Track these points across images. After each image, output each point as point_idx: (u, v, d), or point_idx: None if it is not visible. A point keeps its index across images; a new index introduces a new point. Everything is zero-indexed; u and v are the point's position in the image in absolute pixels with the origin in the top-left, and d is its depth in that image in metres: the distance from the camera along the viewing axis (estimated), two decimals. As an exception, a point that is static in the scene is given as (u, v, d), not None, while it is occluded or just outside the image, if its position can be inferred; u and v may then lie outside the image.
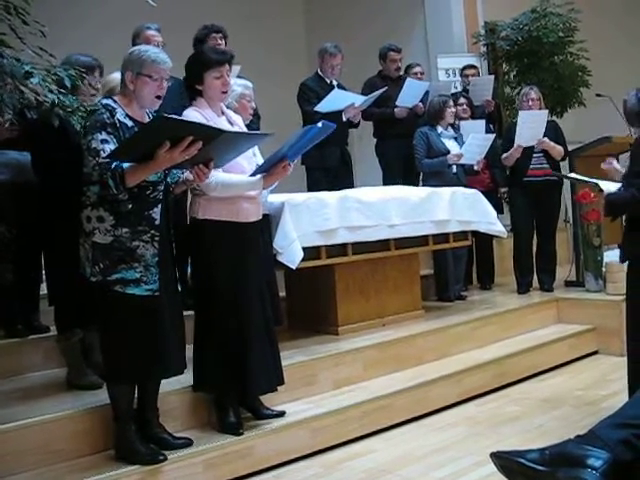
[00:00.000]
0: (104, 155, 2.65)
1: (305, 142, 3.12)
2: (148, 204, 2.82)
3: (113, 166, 2.64)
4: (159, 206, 2.85)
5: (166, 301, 2.87)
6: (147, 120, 2.89)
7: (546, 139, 5.30)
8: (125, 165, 2.65)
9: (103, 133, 2.70)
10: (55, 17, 4.23)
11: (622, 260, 3.27)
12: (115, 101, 2.82)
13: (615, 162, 3.60)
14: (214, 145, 2.70)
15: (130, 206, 2.76)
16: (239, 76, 3.96)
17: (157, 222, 2.84)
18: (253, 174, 3.17)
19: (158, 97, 2.86)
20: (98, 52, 3.55)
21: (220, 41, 4.62)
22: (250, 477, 3.14)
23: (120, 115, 2.78)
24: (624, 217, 3.37)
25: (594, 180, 3.42)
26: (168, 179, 2.93)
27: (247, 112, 3.66)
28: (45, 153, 3.26)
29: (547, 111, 5.52)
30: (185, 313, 3.78)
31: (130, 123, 2.79)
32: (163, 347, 2.85)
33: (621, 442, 2.23)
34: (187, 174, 2.94)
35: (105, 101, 2.82)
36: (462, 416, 3.84)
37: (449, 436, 3.53)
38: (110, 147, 2.68)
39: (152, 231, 2.82)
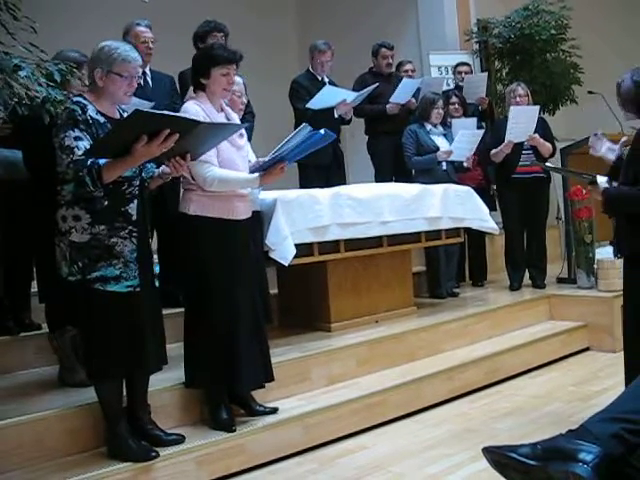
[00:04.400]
0: (79, 152, 2.63)
1: (306, 146, 3.15)
2: (124, 200, 2.81)
3: (89, 163, 2.62)
4: (135, 202, 2.84)
5: (145, 297, 2.86)
6: (118, 116, 2.88)
7: (536, 135, 5.31)
8: (101, 161, 2.63)
9: (76, 130, 2.68)
10: (51, 17, 4.23)
11: (619, 255, 3.21)
12: (85, 98, 2.80)
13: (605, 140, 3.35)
14: (191, 137, 2.70)
15: (106, 203, 2.74)
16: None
17: (134, 218, 2.83)
18: (252, 172, 3.18)
19: (128, 93, 2.85)
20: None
21: (221, 40, 4.61)
22: (243, 474, 3.14)
23: (91, 111, 2.76)
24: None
25: (586, 173, 3.30)
26: (143, 174, 2.91)
27: (237, 107, 3.67)
28: (36, 150, 3.24)
29: (538, 107, 5.52)
30: (171, 311, 3.76)
31: (102, 119, 2.78)
32: (144, 343, 2.84)
33: (612, 436, 2.24)
34: (163, 167, 2.93)
35: (76, 98, 2.80)
36: (455, 412, 3.85)
37: (442, 432, 3.54)
38: (84, 144, 2.66)
39: (130, 227, 2.81)
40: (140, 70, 2.90)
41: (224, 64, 3.15)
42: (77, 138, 2.67)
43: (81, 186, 2.66)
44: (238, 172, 3.20)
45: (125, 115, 2.93)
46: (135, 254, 2.82)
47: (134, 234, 2.82)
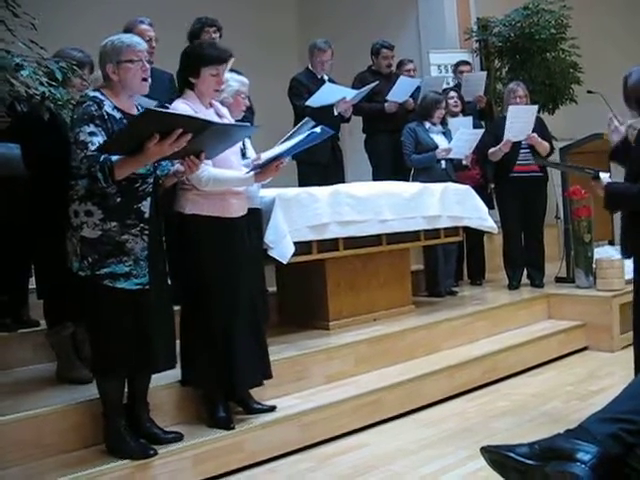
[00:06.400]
0: (92, 148, 2.63)
1: (303, 144, 3.16)
2: (137, 197, 2.81)
3: (102, 159, 2.62)
4: (148, 199, 2.84)
5: (155, 295, 2.86)
6: (135, 111, 2.88)
7: (535, 134, 5.31)
8: (114, 158, 2.63)
9: (91, 125, 2.68)
10: (51, 15, 4.22)
11: (626, 255, 3.19)
12: (102, 93, 2.80)
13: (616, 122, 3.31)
14: (204, 137, 2.70)
15: (119, 199, 2.75)
16: (236, 71, 3.94)
17: (146, 215, 2.83)
18: (252, 169, 3.19)
19: (144, 79, 2.84)
20: (94, 50, 3.53)
21: (214, 34, 4.60)
22: (242, 471, 3.14)
23: (108, 107, 2.76)
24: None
25: (588, 168, 3.28)
26: (158, 172, 2.91)
27: (240, 108, 3.66)
28: (35, 146, 3.24)
29: (537, 106, 5.52)
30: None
31: (118, 115, 2.78)
32: (153, 341, 2.84)
33: (610, 436, 2.24)
34: (178, 166, 2.94)
35: (93, 93, 2.80)
36: (453, 411, 3.85)
37: (440, 431, 3.54)
38: (98, 139, 2.66)
39: (141, 224, 2.81)
40: (147, 54, 2.89)
41: (215, 64, 3.12)
42: (92, 133, 2.67)
43: (93, 181, 2.66)
44: (233, 171, 3.20)
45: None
46: (146, 252, 2.82)
47: (145, 232, 2.82)
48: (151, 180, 2.86)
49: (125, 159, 2.64)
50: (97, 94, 2.79)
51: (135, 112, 2.88)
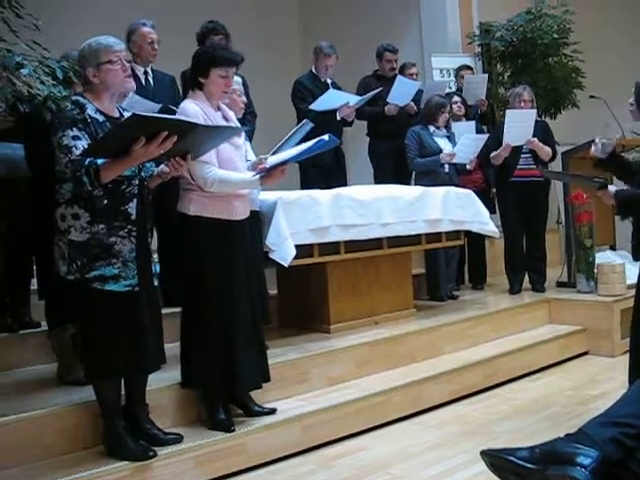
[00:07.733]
0: (77, 152, 2.63)
1: (310, 151, 3.18)
2: (123, 199, 2.80)
3: (87, 162, 2.61)
4: (135, 201, 2.84)
5: (144, 296, 2.86)
6: (117, 114, 2.88)
7: (535, 139, 5.29)
8: (99, 161, 2.63)
9: (74, 129, 2.68)
10: (54, 16, 4.22)
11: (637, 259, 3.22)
12: (84, 97, 2.80)
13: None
14: (190, 138, 2.70)
15: (105, 202, 2.74)
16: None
17: (133, 217, 2.83)
18: (256, 174, 3.20)
19: (127, 77, 2.84)
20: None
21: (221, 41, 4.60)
22: (242, 473, 3.13)
23: (90, 110, 2.76)
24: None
25: (596, 177, 3.34)
26: (142, 173, 2.90)
27: (239, 106, 3.69)
28: (38, 146, 3.24)
29: (535, 110, 5.50)
30: (170, 310, 3.74)
31: (101, 118, 2.78)
32: (144, 342, 2.84)
33: (610, 440, 2.24)
34: (162, 167, 2.93)
35: (74, 97, 2.80)
36: (454, 415, 3.85)
37: (441, 434, 3.54)
38: (82, 143, 2.66)
39: (129, 226, 2.81)
40: (125, 52, 2.88)
41: (224, 66, 3.14)
42: (75, 137, 2.67)
43: (79, 185, 2.66)
44: (238, 173, 3.21)
45: (125, 114, 2.93)
46: (134, 253, 2.82)
47: (133, 233, 2.82)
48: (136, 182, 2.85)
49: (111, 162, 2.64)
50: (79, 97, 2.79)
51: (117, 114, 2.88)
